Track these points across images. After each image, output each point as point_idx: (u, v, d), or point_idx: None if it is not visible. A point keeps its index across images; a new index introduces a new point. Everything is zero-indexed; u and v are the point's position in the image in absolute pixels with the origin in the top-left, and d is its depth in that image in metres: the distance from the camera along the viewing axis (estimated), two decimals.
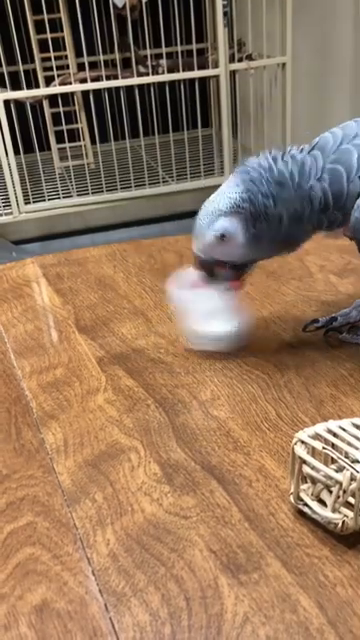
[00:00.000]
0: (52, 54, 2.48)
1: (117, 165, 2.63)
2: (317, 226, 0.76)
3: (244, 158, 0.77)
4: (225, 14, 2.38)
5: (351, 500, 0.53)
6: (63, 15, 2.52)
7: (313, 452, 0.56)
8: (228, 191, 0.74)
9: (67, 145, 2.65)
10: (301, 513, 0.57)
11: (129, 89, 2.51)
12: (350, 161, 0.72)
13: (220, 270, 0.77)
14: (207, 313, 0.79)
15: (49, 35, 2.48)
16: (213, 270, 0.78)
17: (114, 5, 2.52)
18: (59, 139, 2.73)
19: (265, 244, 0.76)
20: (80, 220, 2.93)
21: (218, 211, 0.74)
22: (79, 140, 2.76)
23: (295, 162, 0.73)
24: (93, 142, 2.76)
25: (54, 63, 2.48)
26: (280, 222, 0.73)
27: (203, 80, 2.66)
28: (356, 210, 0.72)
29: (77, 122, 2.73)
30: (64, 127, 2.62)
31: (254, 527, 0.57)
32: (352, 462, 0.53)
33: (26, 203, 2.56)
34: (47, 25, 2.47)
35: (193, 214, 0.79)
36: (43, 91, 2.51)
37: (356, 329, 0.84)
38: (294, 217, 0.73)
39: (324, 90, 2.81)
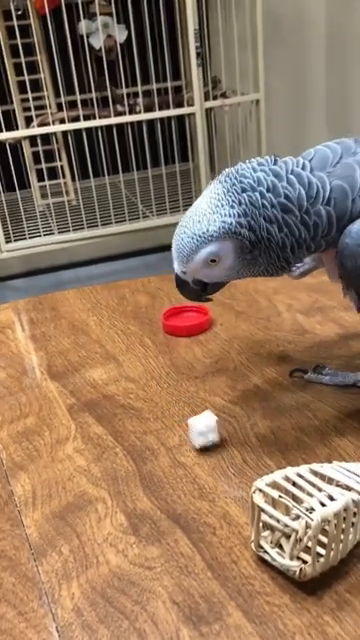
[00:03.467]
0: (30, 95, 2.52)
1: (98, 201, 2.67)
2: (315, 249, 0.70)
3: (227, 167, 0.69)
4: (198, 54, 2.44)
5: (310, 545, 0.54)
6: (41, 57, 2.57)
7: (273, 499, 0.57)
8: (221, 211, 0.66)
9: (47, 183, 2.68)
10: (263, 560, 0.58)
11: (108, 127, 2.56)
12: (353, 177, 0.67)
13: (197, 286, 0.74)
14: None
15: (27, 77, 2.53)
16: (190, 288, 0.74)
17: (91, 47, 2.58)
18: (40, 177, 2.77)
19: (258, 268, 0.70)
20: (64, 255, 2.96)
21: (209, 236, 0.67)
22: (60, 177, 2.80)
23: (302, 183, 0.66)
24: (73, 179, 2.80)
25: (32, 104, 2.53)
26: (281, 250, 0.68)
27: (181, 116, 2.72)
28: (347, 235, 0.67)
29: (57, 160, 2.77)
30: (43, 165, 2.66)
31: (216, 576, 0.58)
32: (308, 510, 0.55)
33: (7, 242, 2.59)
34: (25, 68, 2.52)
35: None
36: (22, 133, 2.55)
37: (321, 369, 0.86)
38: (294, 245, 0.68)
39: (299, 124, 2.88)
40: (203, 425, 0.73)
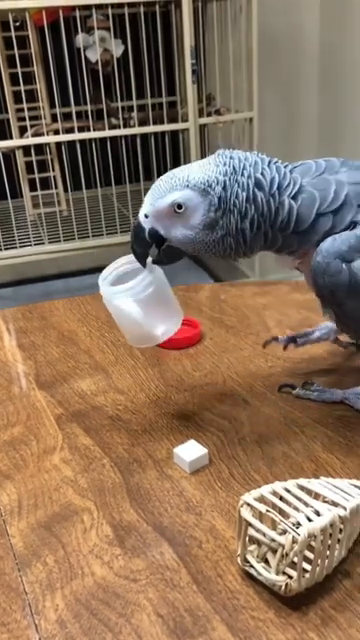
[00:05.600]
0: (25, 105, 2.53)
1: (89, 212, 2.68)
2: (270, 244, 0.73)
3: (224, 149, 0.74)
4: (194, 72, 2.47)
5: (296, 560, 0.55)
6: (38, 68, 2.59)
7: (260, 514, 0.57)
8: (204, 167, 0.72)
9: (39, 193, 2.69)
10: (248, 574, 0.58)
11: (102, 139, 2.58)
12: (327, 191, 0.71)
13: (151, 240, 0.75)
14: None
15: (23, 87, 2.54)
16: (144, 239, 0.74)
17: (87, 60, 2.60)
18: (32, 187, 2.77)
19: (215, 237, 0.72)
20: (53, 265, 2.96)
21: (186, 181, 0.71)
22: (52, 188, 2.80)
23: (279, 172, 0.72)
24: (66, 190, 2.80)
25: (27, 114, 2.54)
26: (241, 220, 0.71)
27: (175, 131, 2.74)
28: (318, 253, 0.70)
29: (50, 170, 2.78)
30: (36, 175, 2.67)
31: (202, 590, 0.58)
32: (294, 525, 0.55)
33: None
34: (21, 78, 2.53)
35: None
36: (16, 142, 2.55)
37: (309, 385, 0.86)
38: (254, 222, 0.71)
39: (291, 142, 2.91)
40: (193, 456, 0.73)
